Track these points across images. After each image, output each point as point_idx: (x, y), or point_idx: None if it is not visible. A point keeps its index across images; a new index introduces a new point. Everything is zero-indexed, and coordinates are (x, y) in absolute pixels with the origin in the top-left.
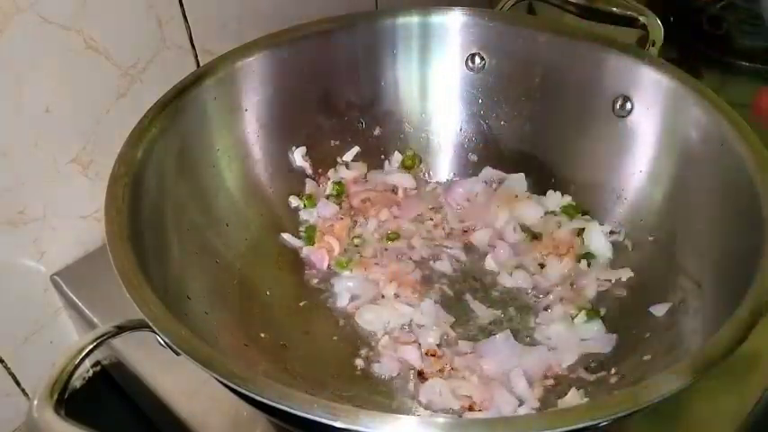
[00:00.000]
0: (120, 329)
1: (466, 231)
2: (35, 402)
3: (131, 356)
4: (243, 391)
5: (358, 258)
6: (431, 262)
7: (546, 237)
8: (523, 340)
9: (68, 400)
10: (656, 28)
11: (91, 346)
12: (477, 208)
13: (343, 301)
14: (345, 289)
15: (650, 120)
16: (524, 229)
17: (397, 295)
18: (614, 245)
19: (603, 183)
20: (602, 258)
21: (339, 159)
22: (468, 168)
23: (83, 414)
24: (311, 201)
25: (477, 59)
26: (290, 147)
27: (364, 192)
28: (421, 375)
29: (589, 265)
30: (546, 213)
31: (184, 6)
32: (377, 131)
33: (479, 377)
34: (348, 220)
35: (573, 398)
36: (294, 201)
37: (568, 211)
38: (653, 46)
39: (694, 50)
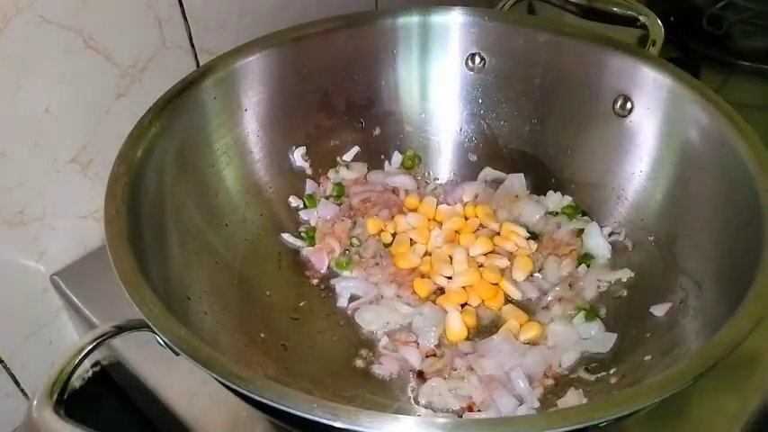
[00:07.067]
0: (120, 329)
1: None
2: (34, 402)
3: (131, 356)
4: (243, 392)
5: (358, 259)
6: None
7: (546, 237)
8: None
9: (68, 401)
10: (657, 28)
11: (90, 347)
12: None
13: (343, 302)
14: (345, 289)
15: (650, 119)
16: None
17: (397, 296)
18: (614, 245)
19: (603, 183)
20: (602, 259)
21: (339, 159)
22: (468, 168)
23: (82, 414)
24: (312, 201)
25: (477, 59)
26: (290, 147)
27: (364, 192)
28: (421, 376)
29: (588, 265)
30: (546, 214)
31: (184, 6)
32: (377, 131)
33: (479, 377)
34: (348, 221)
35: (573, 398)
36: (294, 201)
37: (568, 212)
38: (653, 46)
39: (694, 50)
